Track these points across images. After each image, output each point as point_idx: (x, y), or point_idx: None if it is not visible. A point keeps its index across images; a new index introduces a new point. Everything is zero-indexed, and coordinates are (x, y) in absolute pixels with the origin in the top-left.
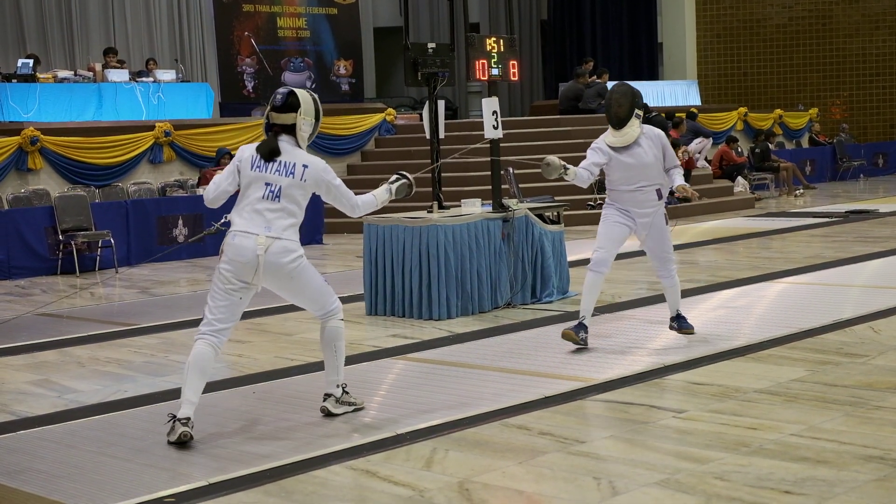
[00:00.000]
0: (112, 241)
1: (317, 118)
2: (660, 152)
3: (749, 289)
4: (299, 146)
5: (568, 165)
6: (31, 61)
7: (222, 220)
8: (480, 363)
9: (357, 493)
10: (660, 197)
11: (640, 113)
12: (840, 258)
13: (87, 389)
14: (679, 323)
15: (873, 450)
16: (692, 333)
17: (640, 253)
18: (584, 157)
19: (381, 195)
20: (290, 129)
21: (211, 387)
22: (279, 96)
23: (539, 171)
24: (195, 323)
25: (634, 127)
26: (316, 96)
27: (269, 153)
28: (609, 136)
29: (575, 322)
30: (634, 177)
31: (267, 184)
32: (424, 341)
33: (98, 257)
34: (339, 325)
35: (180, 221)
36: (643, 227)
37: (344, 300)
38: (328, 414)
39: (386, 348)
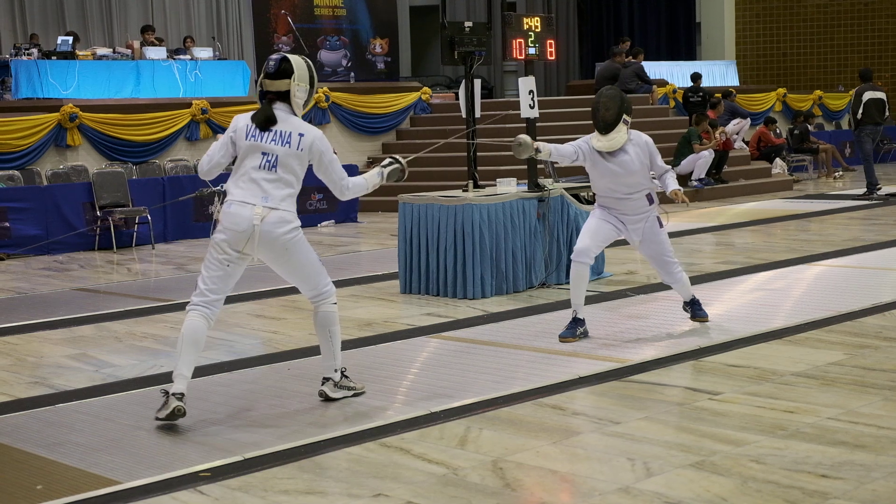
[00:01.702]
0: (149, 218)
1: (311, 84)
2: (647, 159)
3: (786, 271)
4: (294, 114)
5: (540, 145)
6: (70, 39)
7: (216, 188)
8: (514, 342)
9: (391, 471)
10: (650, 202)
11: (629, 119)
12: (879, 241)
13: (124, 364)
14: (693, 309)
15: None
16: (707, 321)
17: (673, 234)
18: None
19: (371, 179)
20: (285, 97)
21: (246, 363)
22: (272, 62)
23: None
24: (230, 299)
25: (622, 133)
26: (310, 62)
27: (264, 121)
28: (594, 140)
29: (568, 321)
30: (621, 185)
31: (263, 153)
32: (458, 320)
33: (135, 233)
34: (332, 308)
35: (216, 198)
36: (635, 232)
37: (378, 278)
38: (326, 398)
39: (420, 326)
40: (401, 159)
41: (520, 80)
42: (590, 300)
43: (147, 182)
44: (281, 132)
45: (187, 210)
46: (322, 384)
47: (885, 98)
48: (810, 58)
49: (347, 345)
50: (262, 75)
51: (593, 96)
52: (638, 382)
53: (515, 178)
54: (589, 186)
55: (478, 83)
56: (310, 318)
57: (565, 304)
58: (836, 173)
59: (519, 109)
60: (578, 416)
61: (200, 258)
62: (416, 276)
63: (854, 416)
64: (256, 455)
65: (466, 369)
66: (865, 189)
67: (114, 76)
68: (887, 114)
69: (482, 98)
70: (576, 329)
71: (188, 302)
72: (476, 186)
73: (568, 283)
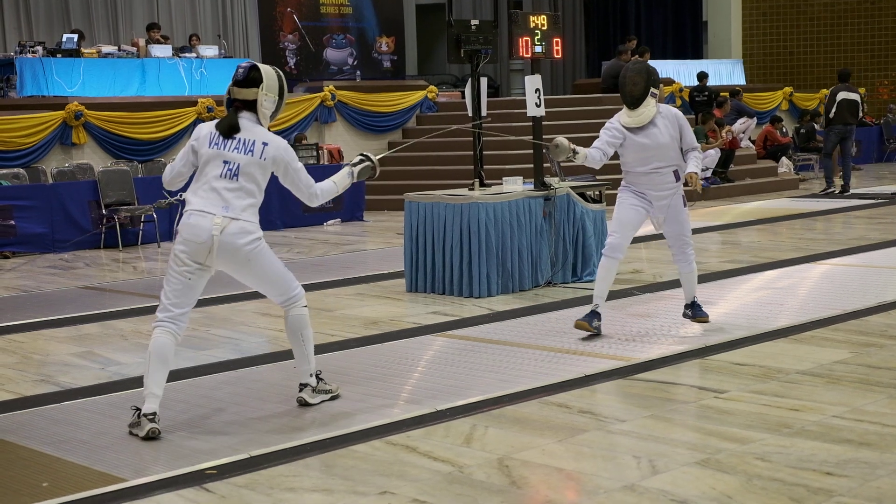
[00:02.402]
0: (154, 216)
1: (280, 95)
2: (676, 132)
3: (792, 270)
4: (260, 123)
5: (577, 147)
6: (75, 36)
7: (176, 196)
8: (520, 341)
9: (397, 469)
10: (677, 178)
11: (657, 92)
12: (885, 240)
13: (130, 362)
14: (694, 311)
15: None
16: (707, 322)
17: None
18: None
19: (341, 181)
20: (252, 106)
21: (253, 361)
22: (241, 70)
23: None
24: (237, 297)
25: (650, 107)
26: (281, 73)
27: (227, 129)
28: (623, 116)
29: (587, 310)
30: (650, 158)
31: (225, 161)
32: (464, 319)
33: (140, 232)
34: (302, 311)
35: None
36: (660, 209)
37: (384, 277)
38: (304, 404)
39: (426, 325)
40: (372, 157)
41: (526, 78)
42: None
43: (153, 180)
44: (244, 140)
45: None
46: (300, 391)
47: (858, 100)
48: (817, 56)
49: (353, 343)
50: (231, 82)
51: (600, 95)
52: (644, 381)
53: (521, 177)
54: (595, 185)
55: (484, 81)
56: (316, 316)
57: (571, 303)
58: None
59: (525, 108)
60: (584, 414)
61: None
62: (421, 275)
63: (859, 414)
64: (262, 453)
65: (472, 368)
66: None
67: (119, 74)
68: (861, 114)
69: (488, 96)
70: (593, 320)
71: (200, 299)
72: (482, 185)
73: (574, 281)
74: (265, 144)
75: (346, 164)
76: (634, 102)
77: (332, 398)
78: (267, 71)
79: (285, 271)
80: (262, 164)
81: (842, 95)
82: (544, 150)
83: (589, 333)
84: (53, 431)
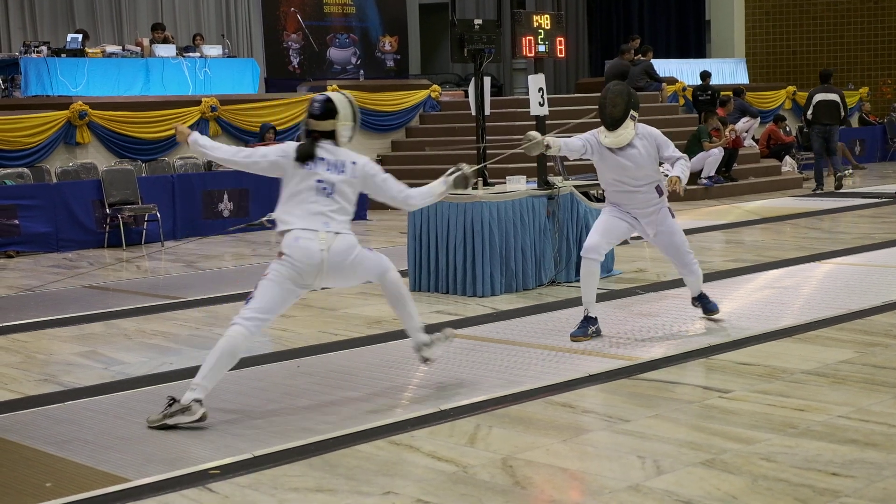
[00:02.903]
0: (158, 215)
1: (354, 120)
2: (654, 150)
3: (796, 269)
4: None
5: (549, 139)
6: (79, 36)
7: (267, 217)
8: (524, 340)
9: (400, 468)
10: (660, 194)
11: (636, 115)
12: (889, 239)
13: (134, 361)
14: (703, 303)
15: None
16: (717, 314)
17: (684, 232)
18: None
19: (437, 187)
20: (330, 135)
21: (256, 360)
22: (316, 105)
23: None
24: (240, 297)
25: (629, 129)
26: (352, 98)
27: (304, 156)
28: (602, 136)
29: (578, 321)
30: (630, 178)
31: (319, 181)
32: (468, 318)
33: (144, 231)
34: (395, 275)
35: (225, 196)
36: (649, 225)
37: None
38: (427, 360)
39: (430, 324)
40: (465, 168)
41: (529, 77)
42: (600, 298)
43: (157, 180)
44: (335, 162)
45: (196, 207)
46: (419, 351)
47: (837, 100)
48: (820, 55)
49: (357, 342)
50: (306, 114)
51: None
52: (648, 380)
53: (525, 176)
54: (598, 184)
55: (487, 80)
56: (319, 317)
57: (575, 302)
58: (847, 171)
59: (528, 107)
60: (588, 413)
61: (210, 255)
62: (425, 274)
63: (864, 414)
64: (266, 452)
65: (476, 367)
66: (815, 186)
67: (123, 74)
68: (843, 114)
69: (492, 95)
70: (587, 328)
71: (203, 298)
72: (486, 184)
73: (577, 280)
74: (354, 164)
75: (446, 174)
76: (614, 124)
77: (447, 340)
78: (340, 100)
79: (374, 254)
80: (353, 182)
81: (819, 97)
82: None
83: (592, 339)
84: (57, 431)
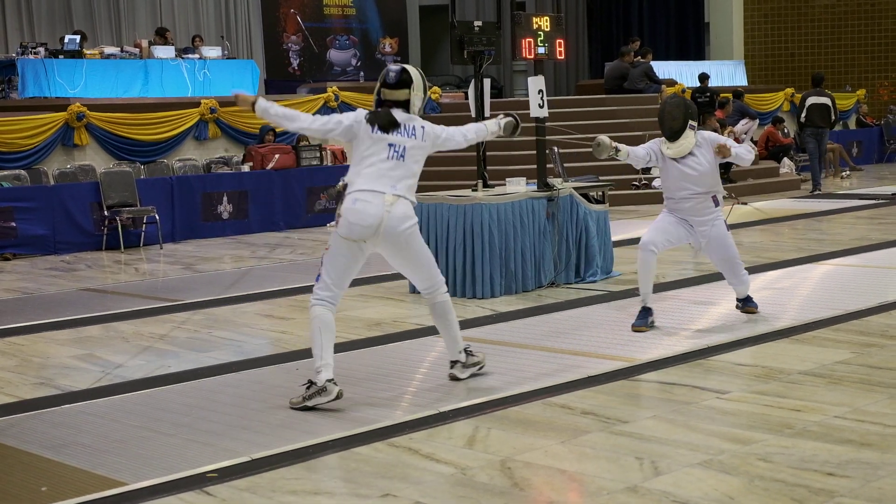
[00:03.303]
0: (157, 217)
1: (425, 92)
2: (713, 155)
3: (794, 270)
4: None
5: (619, 145)
6: (77, 37)
7: (341, 183)
8: (523, 342)
9: (399, 471)
10: (716, 204)
11: (695, 124)
12: (886, 240)
13: (131, 364)
14: (745, 302)
15: None
16: (756, 312)
17: None
18: (631, 137)
19: (490, 126)
20: (403, 104)
21: (255, 363)
22: (392, 73)
23: (589, 150)
24: (239, 299)
25: (689, 139)
26: (422, 72)
27: (389, 125)
28: (664, 147)
29: (637, 311)
30: (690, 186)
31: (390, 144)
32: (468, 320)
33: (143, 233)
34: (446, 298)
35: (225, 198)
36: (703, 235)
37: (387, 278)
38: (455, 379)
39: (429, 326)
40: (515, 115)
41: (529, 79)
42: (597, 299)
43: (155, 182)
44: (405, 126)
45: (195, 210)
46: (451, 367)
47: (829, 104)
48: (818, 58)
49: (357, 344)
50: (379, 84)
51: (603, 95)
52: (646, 382)
53: (525, 178)
54: (598, 186)
55: (487, 82)
56: None
57: (574, 304)
58: (844, 173)
59: (529, 109)
60: (587, 415)
61: (209, 258)
62: None
63: (861, 415)
64: (264, 455)
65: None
66: (812, 187)
67: (122, 75)
68: (834, 118)
69: (491, 97)
70: (647, 318)
71: (201, 301)
72: (485, 186)
73: (577, 282)
74: (423, 128)
75: (498, 116)
76: (674, 136)
77: (480, 368)
78: (414, 72)
79: (432, 260)
80: (423, 145)
81: (812, 100)
82: (549, 151)
83: (650, 329)
84: (53, 435)
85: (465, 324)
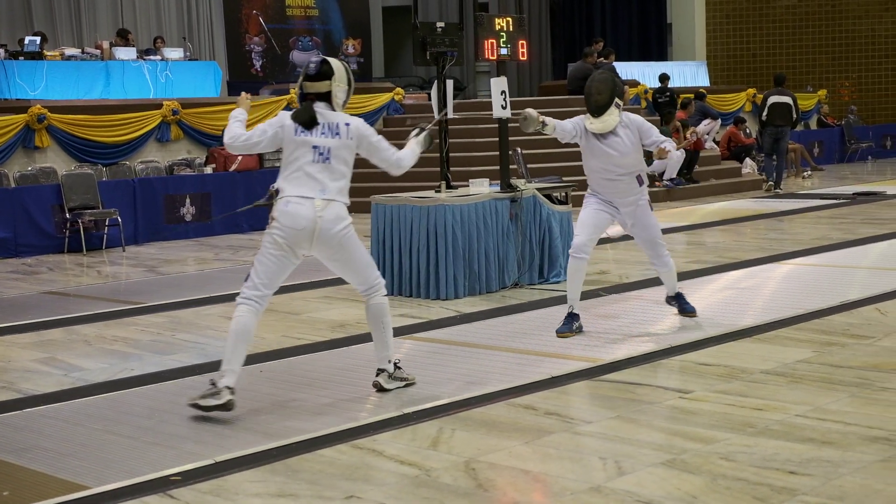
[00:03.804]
0: (119, 220)
1: (349, 84)
2: (637, 138)
3: (756, 270)
4: (334, 111)
5: (546, 119)
6: (38, 39)
7: (270, 192)
8: (487, 343)
9: (363, 473)
10: (640, 183)
11: (620, 102)
12: (847, 240)
13: (94, 368)
14: (680, 303)
15: (878, 431)
16: (694, 316)
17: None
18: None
19: (416, 148)
20: (325, 97)
21: (218, 365)
22: (312, 65)
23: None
24: (202, 302)
25: (614, 115)
26: (347, 65)
27: (309, 121)
28: (587, 122)
29: (563, 317)
30: (612, 166)
31: (314, 146)
32: (431, 321)
33: (105, 236)
34: (383, 300)
35: (188, 200)
36: (628, 215)
37: None
38: (380, 389)
39: (393, 327)
40: (425, 125)
41: (492, 80)
42: (561, 300)
43: (117, 184)
44: (328, 125)
45: (158, 212)
46: (377, 375)
47: (790, 102)
48: (780, 58)
49: (321, 346)
50: (301, 78)
51: (566, 96)
52: (609, 382)
53: (488, 179)
54: (562, 187)
55: (450, 84)
56: (282, 321)
57: (538, 305)
58: (805, 173)
59: (492, 110)
60: (551, 416)
61: (172, 260)
62: (388, 277)
63: (822, 413)
64: (228, 458)
65: (439, 370)
66: (772, 184)
67: (83, 77)
68: (795, 116)
69: (455, 98)
70: (572, 324)
71: (164, 304)
72: (449, 187)
73: (540, 282)
74: (347, 125)
75: (411, 136)
76: (599, 110)
77: (407, 385)
78: (336, 64)
79: (370, 259)
80: (349, 144)
81: (772, 99)
82: (512, 152)
83: (577, 335)
84: (15, 439)
85: (429, 325)
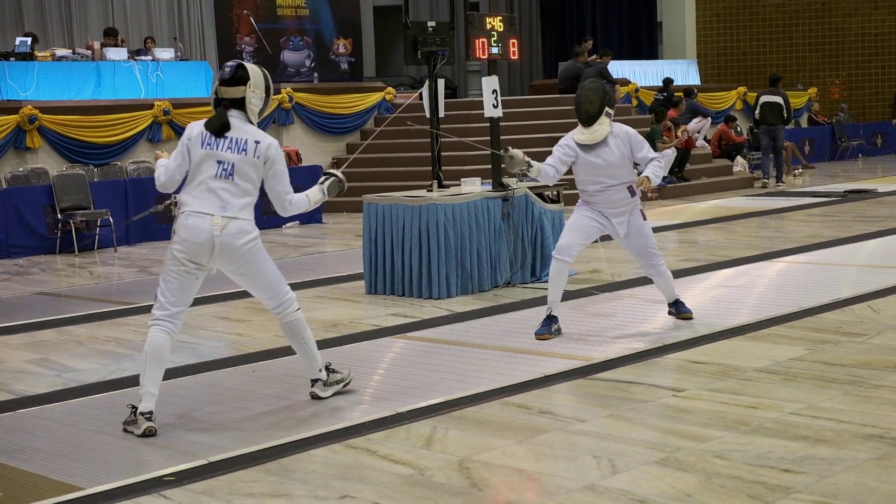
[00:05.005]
0: (111, 220)
1: (267, 92)
2: (628, 150)
3: (748, 268)
4: (250, 121)
5: (532, 161)
6: (29, 39)
7: (169, 200)
8: (480, 342)
9: (357, 472)
10: (632, 194)
11: (611, 112)
12: (838, 237)
13: (86, 368)
14: (678, 308)
15: (872, 428)
16: (691, 318)
17: None
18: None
19: (314, 195)
20: (240, 104)
21: (211, 365)
22: (227, 69)
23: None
24: (195, 302)
25: (604, 125)
26: (266, 71)
27: (219, 128)
28: (577, 134)
29: (542, 319)
30: (600, 177)
31: (219, 161)
32: (424, 320)
33: (97, 236)
34: (297, 316)
35: (173, 209)
36: (620, 226)
37: (343, 279)
38: (316, 398)
39: (385, 327)
40: (338, 172)
41: (483, 79)
42: None
43: (109, 184)
44: (236, 140)
45: None
46: (311, 386)
47: (781, 102)
48: (770, 56)
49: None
50: (216, 82)
51: (557, 95)
52: (603, 380)
53: (480, 178)
54: (553, 186)
55: (441, 83)
56: (274, 321)
57: (530, 303)
58: (796, 171)
59: (483, 109)
60: (544, 414)
61: (163, 260)
62: (381, 277)
63: (815, 411)
64: (221, 458)
65: (432, 369)
66: (774, 179)
67: (74, 77)
68: (787, 115)
69: (446, 98)
70: (551, 326)
71: (151, 305)
72: (440, 186)
73: (532, 281)
74: (257, 143)
75: (319, 181)
76: (589, 120)
77: (345, 386)
78: (253, 69)
79: (278, 275)
80: (255, 162)
81: (764, 98)
82: (504, 151)
83: (555, 337)
84: (8, 440)
85: (422, 324)
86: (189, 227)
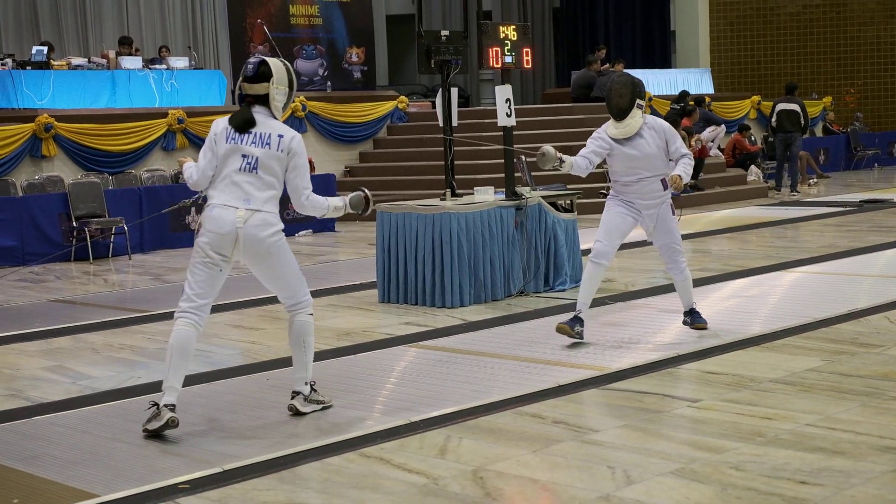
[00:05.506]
0: (125, 228)
1: (290, 87)
2: (663, 142)
3: (762, 278)
4: (274, 117)
5: (563, 156)
6: (45, 48)
7: (196, 196)
8: (493, 351)
9: (371, 481)
10: (665, 187)
11: (642, 103)
12: (854, 248)
13: (101, 375)
14: (693, 318)
15: (890, 440)
16: (705, 329)
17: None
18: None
19: (334, 201)
20: (264, 100)
21: (225, 373)
22: (250, 66)
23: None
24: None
25: (636, 118)
26: (289, 65)
27: (243, 123)
28: (610, 128)
29: (570, 315)
30: (637, 168)
31: (244, 155)
32: (437, 329)
33: (111, 244)
34: (308, 319)
35: (193, 209)
36: (650, 218)
37: (356, 288)
38: (296, 413)
39: (399, 336)
40: (366, 190)
41: (496, 88)
42: (567, 308)
43: (124, 192)
44: (260, 134)
45: (164, 220)
46: (292, 398)
47: (798, 109)
48: (784, 65)
49: (326, 354)
50: (240, 79)
51: (570, 104)
52: (617, 390)
53: (493, 187)
54: (566, 195)
55: (455, 91)
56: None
57: (544, 313)
58: (811, 180)
59: (496, 118)
60: (558, 424)
61: (178, 268)
62: (394, 286)
63: (832, 423)
64: (236, 466)
65: (445, 378)
66: (788, 188)
67: (89, 86)
68: (804, 123)
69: (459, 106)
70: (574, 325)
71: (171, 312)
72: (454, 195)
73: (546, 290)
74: (280, 136)
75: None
76: (621, 114)
77: (324, 408)
78: (276, 64)
79: (300, 274)
80: (279, 156)
81: (780, 106)
82: (517, 159)
83: (572, 340)
84: (24, 447)
85: (435, 333)
86: (214, 219)
